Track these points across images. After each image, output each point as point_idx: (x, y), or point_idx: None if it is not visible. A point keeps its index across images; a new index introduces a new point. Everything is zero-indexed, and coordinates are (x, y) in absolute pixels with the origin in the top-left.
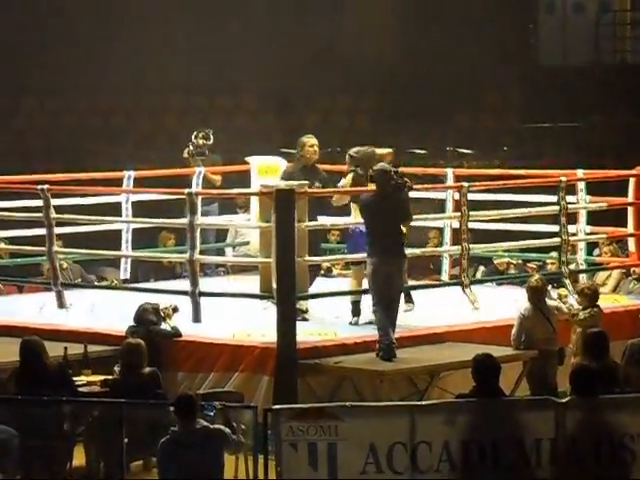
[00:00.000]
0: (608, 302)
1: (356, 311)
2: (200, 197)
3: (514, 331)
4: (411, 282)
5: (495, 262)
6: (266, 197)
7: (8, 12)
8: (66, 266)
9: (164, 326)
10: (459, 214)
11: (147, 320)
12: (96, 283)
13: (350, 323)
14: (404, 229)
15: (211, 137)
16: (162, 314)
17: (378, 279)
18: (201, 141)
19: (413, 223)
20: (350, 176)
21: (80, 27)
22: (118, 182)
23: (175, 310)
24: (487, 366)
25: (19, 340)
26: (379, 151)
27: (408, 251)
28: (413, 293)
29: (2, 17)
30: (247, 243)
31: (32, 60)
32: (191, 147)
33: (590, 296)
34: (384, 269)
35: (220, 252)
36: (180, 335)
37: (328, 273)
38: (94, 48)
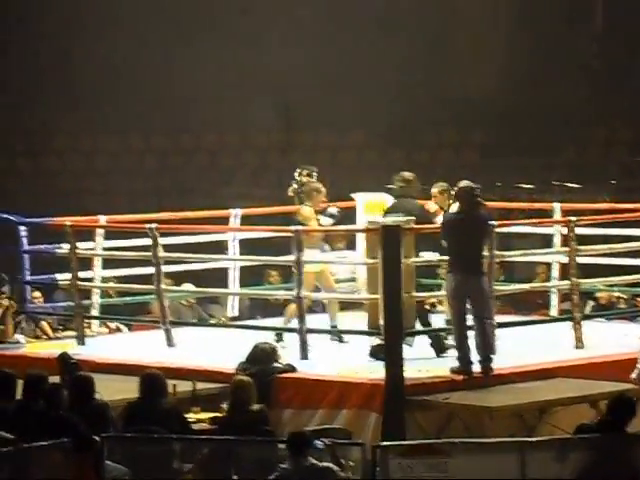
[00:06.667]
0: None
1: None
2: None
3: None
4: (519, 317)
5: (597, 295)
6: (372, 233)
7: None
8: (187, 304)
9: (276, 364)
10: (567, 249)
11: (264, 359)
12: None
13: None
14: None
15: (315, 174)
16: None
17: (459, 296)
18: (305, 179)
19: (522, 258)
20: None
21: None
22: (225, 220)
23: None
24: (629, 408)
25: (128, 378)
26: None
27: (517, 286)
28: (523, 328)
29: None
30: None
31: (135, 98)
32: (295, 185)
33: None
34: (465, 287)
35: None
36: (295, 370)
37: (433, 309)
38: (200, 85)
